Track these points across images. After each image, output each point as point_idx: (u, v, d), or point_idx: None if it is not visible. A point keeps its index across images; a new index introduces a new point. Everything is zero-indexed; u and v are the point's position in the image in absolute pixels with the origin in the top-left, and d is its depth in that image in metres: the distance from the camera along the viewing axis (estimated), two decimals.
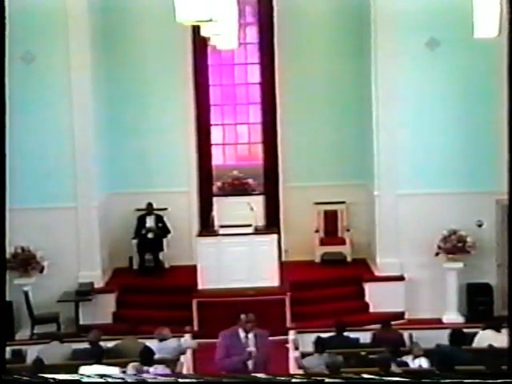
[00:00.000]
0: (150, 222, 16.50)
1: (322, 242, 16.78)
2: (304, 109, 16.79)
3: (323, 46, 16.71)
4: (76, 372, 9.53)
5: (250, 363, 9.59)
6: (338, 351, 10.72)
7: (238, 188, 16.48)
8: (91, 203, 15.36)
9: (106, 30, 16.20)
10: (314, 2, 16.62)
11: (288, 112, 16.88)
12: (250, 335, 9.75)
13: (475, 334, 11.54)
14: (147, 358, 10.10)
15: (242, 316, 9.76)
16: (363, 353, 10.90)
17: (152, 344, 11.06)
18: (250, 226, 15.19)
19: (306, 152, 16.83)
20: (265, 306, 14.27)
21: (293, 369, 10.96)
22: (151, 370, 9.77)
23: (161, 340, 11.36)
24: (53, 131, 15.17)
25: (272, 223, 16.30)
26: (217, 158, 17.80)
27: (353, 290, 15.52)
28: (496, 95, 13.78)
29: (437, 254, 15.02)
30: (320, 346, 10.58)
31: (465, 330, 12.05)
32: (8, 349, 11.37)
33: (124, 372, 9.56)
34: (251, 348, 9.66)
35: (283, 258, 15.98)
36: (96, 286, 15.21)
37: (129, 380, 3.25)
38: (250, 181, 16.68)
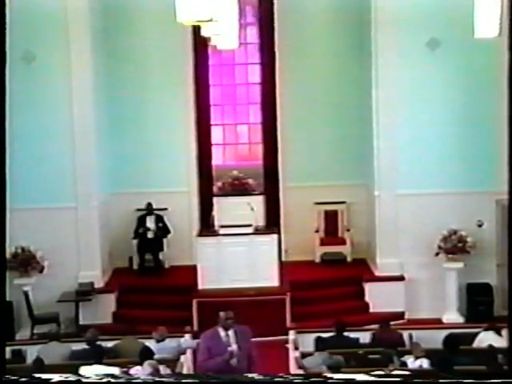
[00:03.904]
0: (150, 222, 16.50)
1: (322, 242, 16.78)
2: (304, 109, 16.79)
3: (324, 46, 16.71)
4: (76, 372, 9.54)
5: (232, 362, 9.55)
6: (338, 351, 10.72)
7: (238, 188, 16.48)
8: (91, 203, 15.35)
9: (106, 29, 16.21)
10: (315, 2, 16.62)
11: (288, 112, 16.88)
12: (231, 333, 9.70)
13: (476, 334, 11.55)
14: (147, 358, 10.09)
15: (222, 313, 9.73)
16: (361, 351, 10.91)
17: (152, 344, 11.06)
18: (250, 226, 15.19)
19: (306, 152, 16.82)
20: (265, 306, 14.29)
21: (293, 369, 10.97)
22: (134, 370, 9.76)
23: (158, 341, 11.33)
24: (53, 131, 15.17)
25: (272, 223, 16.29)
26: (217, 158, 17.80)
27: (353, 290, 15.52)
28: (496, 95, 13.77)
29: (437, 254, 15.02)
30: (320, 345, 10.57)
31: (464, 331, 12.09)
32: (8, 349, 11.37)
33: (125, 372, 9.54)
34: (232, 347, 9.63)
35: (283, 258, 15.98)
36: (96, 286, 15.20)
37: (132, 380, 3.25)
38: (250, 181, 16.68)
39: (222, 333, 9.68)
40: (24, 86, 14.69)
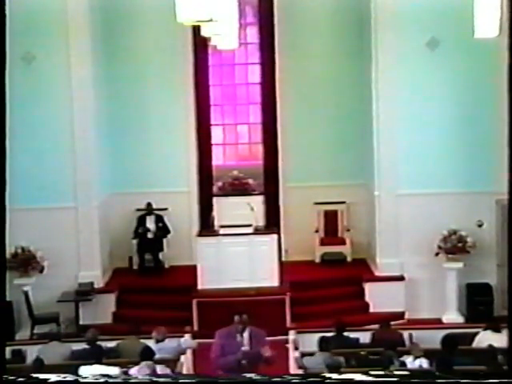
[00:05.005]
0: (149, 222, 16.50)
1: (322, 242, 16.78)
2: (304, 109, 16.79)
3: (323, 46, 16.71)
4: (76, 372, 9.54)
5: (244, 362, 9.61)
6: (338, 351, 10.71)
7: (238, 188, 16.47)
8: (91, 203, 15.36)
9: (106, 30, 16.20)
10: (315, 2, 16.62)
11: (288, 112, 16.88)
12: (245, 334, 9.79)
13: (475, 334, 11.55)
14: (148, 358, 10.08)
15: (236, 317, 9.79)
16: (363, 352, 10.90)
17: (151, 344, 11.05)
18: (250, 226, 15.19)
19: (306, 152, 16.83)
20: (265, 305, 14.28)
21: (293, 369, 10.97)
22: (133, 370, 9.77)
23: (158, 341, 11.31)
24: (53, 131, 15.17)
25: (272, 223, 16.29)
26: (217, 158, 17.81)
27: (353, 290, 15.52)
28: (496, 95, 13.77)
29: (437, 254, 15.02)
30: (324, 344, 10.57)
31: (464, 331, 12.09)
32: (8, 349, 11.36)
33: (125, 372, 9.55)
34: (245, 347, 9.68)
35: (283, 258, 15.98)
36: (96, 286, 15.20)
37: (130, 380, 3.26)
38: (250, 181, 16.67)
39: (237, 333, 9.74)
40: (24, 87, 14.68)
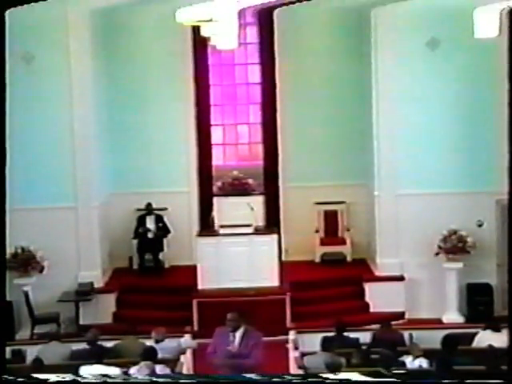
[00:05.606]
0: (149, 222, 16.51)
1: (322, 242, 16.78)
2: (304, 109, 16.79)
3: (323, 45, 16.70)
4: (76, 372, 9.55)
5: (228, 361, 9.63)
6: (338, 351, 10.71)
7: (238, 188, 16.47)
8: (91, 203, 15.36)
9: (106, 29, 16.20)
10: (315, 2, 16.60)
11: (288, 112, 16.88)
12: (238, 334, 9.80)
13: (474, 334, 11.55)
14: (150, 358, 10.07)
15: (228, 315, 9.84)
16: (364, 347, 10.90)
17: (151, 344, 11.05)
18: (250, 226, 15.19)
19: (306, 152, 16.82)
20: (265, 306, 14.29)
21: (293, 369, 10.98)
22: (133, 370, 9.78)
23: (157, 341, 11.30)
24: (53, 131, 15.17)
25: (272, 223, 16.29)
26: (217, 158, 17.80)
27: (353, 290, 15.52)
28: (496, 95, 13.79)
29: (437, 254, 15.03)
30: (327, 344, 10.57)
31: (463, 331, 12.10)
32: (8, 349, 11.37)
33: (125, 372, 9.55)
34: (232, 347, 9.72)
35: (283, 258, 15.99)
36: (96, 285, 15.20)
37: (131, 380, 3.26)
38: (250, 181, 16.67)
39: (230, 332, 9.78)
40: (24, 86, 14.68)
